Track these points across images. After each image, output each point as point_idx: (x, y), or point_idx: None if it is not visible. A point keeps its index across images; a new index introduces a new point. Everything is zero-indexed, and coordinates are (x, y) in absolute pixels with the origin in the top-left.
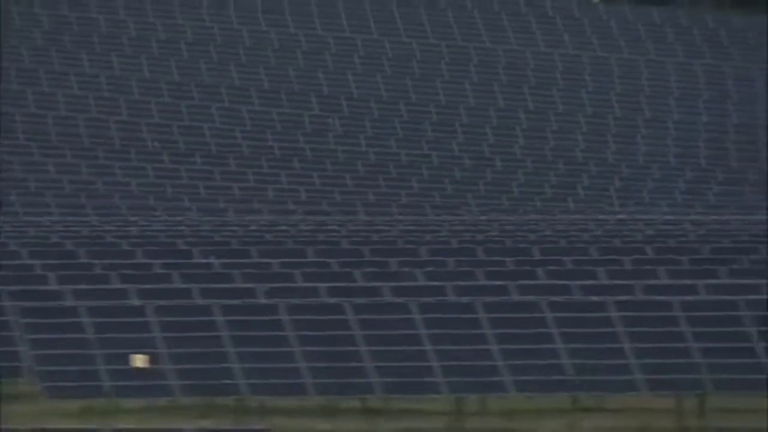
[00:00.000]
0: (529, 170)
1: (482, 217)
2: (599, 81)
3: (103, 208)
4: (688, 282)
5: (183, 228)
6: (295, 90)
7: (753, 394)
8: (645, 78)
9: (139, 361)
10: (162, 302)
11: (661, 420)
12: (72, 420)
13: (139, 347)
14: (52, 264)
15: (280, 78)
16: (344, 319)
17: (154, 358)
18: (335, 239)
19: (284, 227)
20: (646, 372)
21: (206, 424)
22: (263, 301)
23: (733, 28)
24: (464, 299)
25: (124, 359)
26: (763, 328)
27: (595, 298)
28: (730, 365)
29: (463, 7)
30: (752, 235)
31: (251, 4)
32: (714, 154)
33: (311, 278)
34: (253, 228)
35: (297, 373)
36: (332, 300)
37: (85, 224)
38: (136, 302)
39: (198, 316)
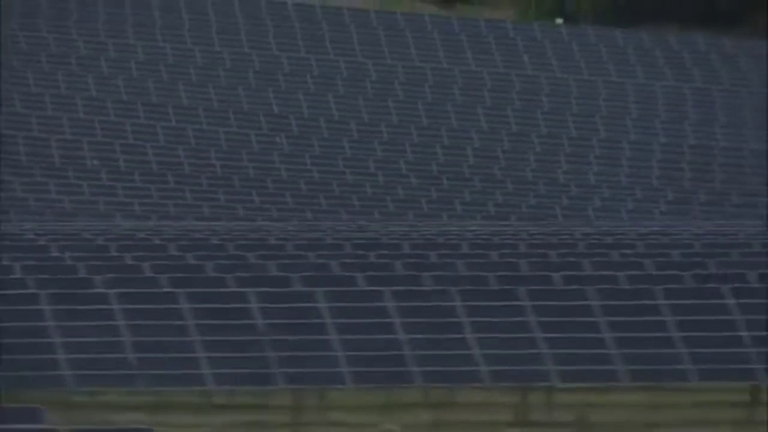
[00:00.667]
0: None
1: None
2: (556, 102)
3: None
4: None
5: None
6: (245, 110)
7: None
8: (603, 99)
9: None
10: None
11: (504, 414)
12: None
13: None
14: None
15: (231, 97)
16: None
17: None
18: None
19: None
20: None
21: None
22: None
23: (697, 50)
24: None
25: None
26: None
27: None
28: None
29: (421, 29)
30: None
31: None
32: (667, 174)
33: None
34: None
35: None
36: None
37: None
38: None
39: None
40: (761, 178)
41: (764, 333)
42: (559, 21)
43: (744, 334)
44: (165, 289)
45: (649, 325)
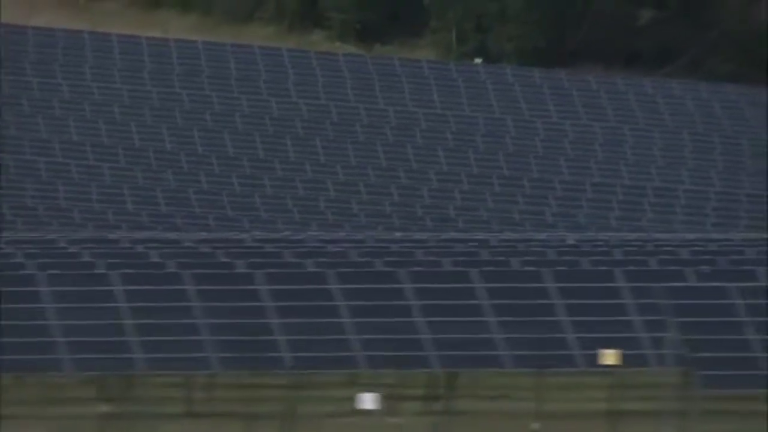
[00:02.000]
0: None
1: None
2: (460, 140)
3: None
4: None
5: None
6: (168, 149)
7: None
8: (510, 136)
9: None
10: None
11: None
12: None
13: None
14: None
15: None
16: None
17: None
18: None
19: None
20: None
21: None
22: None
23: (616, 90)
24: None
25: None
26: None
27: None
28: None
29: (334, 68)
30: None
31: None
32: (565, 211)
33: None
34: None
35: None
36: None
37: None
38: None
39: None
40: (670, 216)
41: None
42: (478, 61)
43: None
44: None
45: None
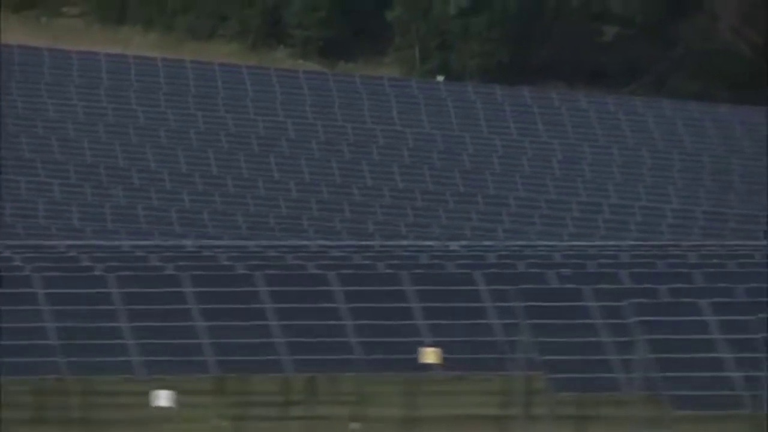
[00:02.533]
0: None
1: None
2: (417, 157)
3: None
4: None
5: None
6: (120, 165)
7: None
8: (468, 154)
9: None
10: None
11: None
12: None
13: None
14: None
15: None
16: None
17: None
18: None
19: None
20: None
21: None
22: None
23: (578, 107)
24: None
25: None
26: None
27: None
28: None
29: (294, 85)
30: None
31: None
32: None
33: None
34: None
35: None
36: None
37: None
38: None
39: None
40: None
41: None
42: (440, 78)
43: None
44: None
45: None
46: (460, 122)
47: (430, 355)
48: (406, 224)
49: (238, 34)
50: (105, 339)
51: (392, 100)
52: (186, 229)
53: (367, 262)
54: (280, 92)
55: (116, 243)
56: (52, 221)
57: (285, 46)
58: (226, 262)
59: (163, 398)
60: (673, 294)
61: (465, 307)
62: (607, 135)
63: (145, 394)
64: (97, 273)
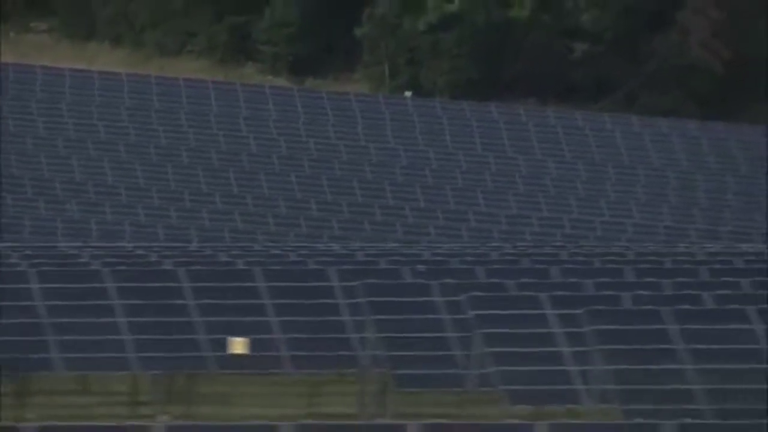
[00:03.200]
0: None
1: None
2: (379, 173)
3: None
4: None
5: None
6: (77, 179)
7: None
8: (430, 169)
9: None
10: None
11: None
12: None
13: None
14: None
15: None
16: None
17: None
18: None
19: None
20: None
21: None
22: None
23: (546, 123)
24: None
25: None
26: None
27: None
28: None
29: (260, 101)
30: None
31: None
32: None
33: None
34: None
35: None
36: None
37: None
38: None
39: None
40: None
41: None
42: (408, 94)
43: None
44: None
45: None
46: (425, 138)
47: (237, 346)
48: (361, 239)
49: (206, 50)
50: None
51: (357, 116)
52: (136, 246)
53: (228, 260)
54: (245, 107)
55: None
56: (4, 234)
57: (254, 62)
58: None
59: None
60: (520, 288)
61: (317, 303)
62: (572, 151)
63: None
64: None
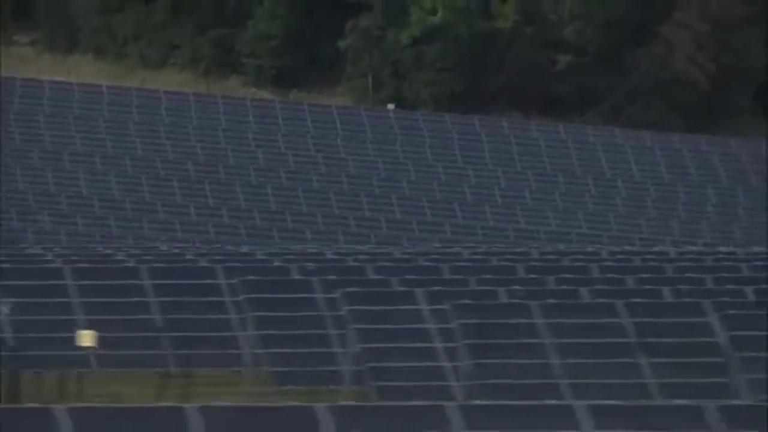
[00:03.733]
0: None
1: None
2: (356, 184)
3: None
4: None
5: None
6: (51, 191)
7: None
8: (407, 181)
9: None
10: None
11: None
12: None
13: None
14: None
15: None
16: None
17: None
18: None
19: None
20: None
21: None
22: None
23: (528, 136)
24: None
25: None
26: None
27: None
28: None
29: (241, 113)
30: None
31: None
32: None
33: None
34: None
35: None
36: None
37: None
38: None
39: None
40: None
41: None
42: (391, 106)
43: None
44: None
45: None
46: (404, 150)
47: (85, 338)
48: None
49: (190, 62)
50: None
51: (338, 128)
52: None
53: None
54: (225, 119)
55: None
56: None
57: (238, 75)
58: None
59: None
60: (382, 284)
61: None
62: (553, 163)
63: None
64: None
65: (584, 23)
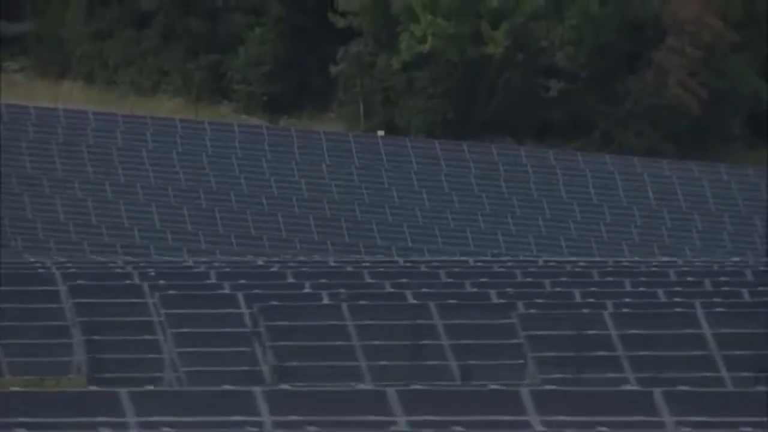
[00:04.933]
0: None
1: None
2: (339, 210)
3: None
4: None
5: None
6: (29, 217)
7: None
8: (390, 206)
9: None
10: None
11: None
12: None
13: None
14: None
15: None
16: None
17: None
18: None
19: None
20: None
21: None
22: None
23: (517, 162)
24: None
25: None
26: None
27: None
28: None
29: (227, 138)
30: None
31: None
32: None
33: None
34: None
35: None
36: None
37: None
38: None
39: None
40: None
41: None
42: (381, 133)
43: None
44: None
45: None
46: (390, 176)
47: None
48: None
49: (181, 89)
50: None
51: (324, 154)
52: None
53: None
54: (210, 145)
55: None
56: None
57: (229, 101)
58: None
59: None
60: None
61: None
62: (540, 189)
63: None
64: None
65: (576, 49)
